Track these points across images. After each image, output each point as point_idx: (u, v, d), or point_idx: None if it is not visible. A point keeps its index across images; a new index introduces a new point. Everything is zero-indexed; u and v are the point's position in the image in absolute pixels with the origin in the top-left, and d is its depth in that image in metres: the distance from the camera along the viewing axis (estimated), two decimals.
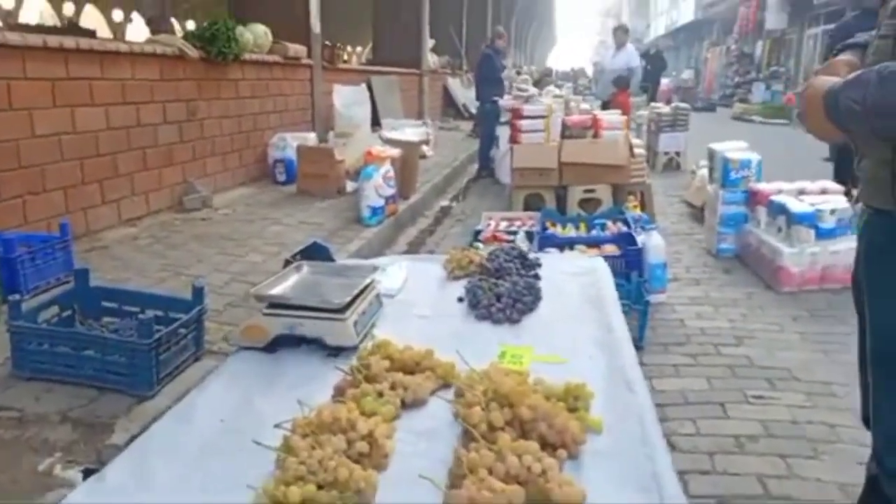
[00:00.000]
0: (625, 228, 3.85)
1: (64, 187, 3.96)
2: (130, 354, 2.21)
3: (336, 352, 1.64)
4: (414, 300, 2.09)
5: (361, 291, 1.76)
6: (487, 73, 8.02)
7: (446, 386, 1.43)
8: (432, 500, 1.07)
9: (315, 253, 3.59)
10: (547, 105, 5.00)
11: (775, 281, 3.72)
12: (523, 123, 4.80)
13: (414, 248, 4.92)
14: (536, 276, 2.18)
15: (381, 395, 1.33)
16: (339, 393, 1.39)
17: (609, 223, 3.95)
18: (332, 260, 3.54)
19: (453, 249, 2.64)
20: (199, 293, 2.51)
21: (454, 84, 15.15)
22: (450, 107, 14.98)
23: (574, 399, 1.29)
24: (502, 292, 1.95)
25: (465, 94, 15.20)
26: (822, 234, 3.67)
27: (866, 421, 1.50)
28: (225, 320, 2.86)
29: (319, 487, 1.06)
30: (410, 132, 6.81)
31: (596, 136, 4.83)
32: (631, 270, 3.30)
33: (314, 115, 7.35)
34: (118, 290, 2.65)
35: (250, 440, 1.18)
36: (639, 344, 2.95)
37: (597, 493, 1.06)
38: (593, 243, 3.58)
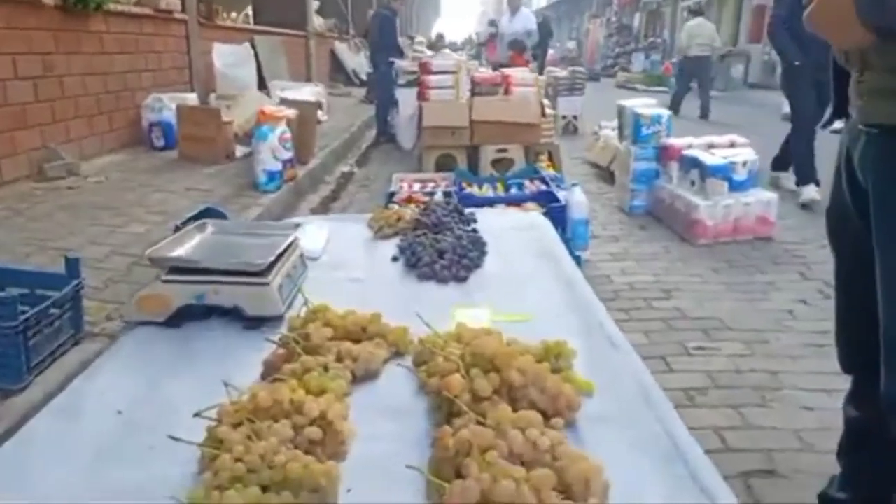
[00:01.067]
0: (543, 187, 3.72)
1: None
2: None
3: (256, 324, 1.36)
4: (341, 262, 1.83)
5: (284, 251, 1.47)
6: (385, 36, 7.64)
7: (399, 354, 1.20)
8: (412, 495, 0.84)
9: (210, 218, 3.17)
10: (456, 60, 4.75)
11: (691, 234, 3.74)
12: (432, 79, 4.53)
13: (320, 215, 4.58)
14: (476, 231, 1.97)
15: (326, 368, 1.07)
16: (270, 370, 1.12)
17: (527, 182, 3.81)
18: None
19: (378, 208, 2.37)
20: (73, 266, 2.10)
21: (342, 49, 14.56)
22: (338, 73, 14.39)
23: (556, 359, 1.09)
24: (445, 248, 1.72)
25: (354, 59, 14.67)
26: (735, 187, 3.72)
27: (845, 366, 1.41)
28: (107, 297, 2.44)
29: (265, 489, 0.80)
30: (307, 91, 6.35)
31: (507, 93, 4.66)
32: (555, 228, 3.17)
33: (192, 75, 6.68)
34: None
35: (162, 436, 0.89)
36: None
37: (613, 465, 0.87)
38: (514, 202, 3.41)
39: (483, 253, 1.75)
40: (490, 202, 3.42)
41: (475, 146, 4.51)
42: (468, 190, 3.67)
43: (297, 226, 1.68)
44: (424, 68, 4.74)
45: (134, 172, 4.80)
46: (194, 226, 1.60)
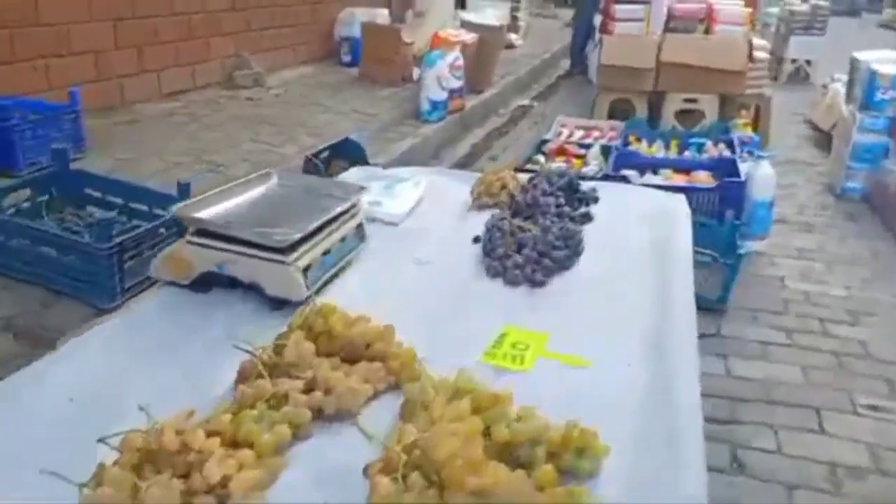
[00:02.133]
0: (727, 152, 3.13)
1: (94, 51, 3.61)
2: (87, 259, 1.86)
3: (279, 305, 1.21)
4: (419, 234, 1.62)
5: (328, 223, 1.29)
6: None
7: (398, 387, 0.97)
8: None
9: (347, 152, 3.07)
10: None
11: None
12: (618, 9, 3.96)
13: (476, 154, 4.36)
14: (586, 218, 1.63)
15: (284, 399, 0.88)
16: (243, 378, 0.96)
17: (709, 144, 3.23)
18: (366, 162, 3.04)
19: (493, 166, 2.09)
20: (184, 190, 2.11)
21: None
22: None
23: (577, 454, 0.80)
24: (526, 240, 1.42)
25: None
26: None
27: None
28: None
29: None
30: (492, 14, 6.00)
31: (708, 31, 3.95)
32: (725, 209, 2.65)
33: None
34: (99, 177, 2.28)
35: (94, 438, 0.78)
36: (720, 306, 2.36)
37: None
38: (683, 168, 2.91)
39: (576, 252, 1.43)
40: (654, 165, 2.95)
41: (659, 93, 3.93)
42: (634, 146, 3.20)
43: (362, 189, 1.48)
44: None
45: (313, 88, 4.91)
46: (258, 175, 1.47)
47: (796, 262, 2.81)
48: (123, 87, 3.85)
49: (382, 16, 5.88)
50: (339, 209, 1.31)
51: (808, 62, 7.01)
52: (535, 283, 1.35)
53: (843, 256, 2.89)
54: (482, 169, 4.28)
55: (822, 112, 4.78)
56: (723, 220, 2.64)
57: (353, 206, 1.39)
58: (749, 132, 3.65)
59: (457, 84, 4.39)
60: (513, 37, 7.60)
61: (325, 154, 2.79)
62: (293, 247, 1.18)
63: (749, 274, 2.47)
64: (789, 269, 2.74)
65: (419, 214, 1.73)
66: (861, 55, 3.61)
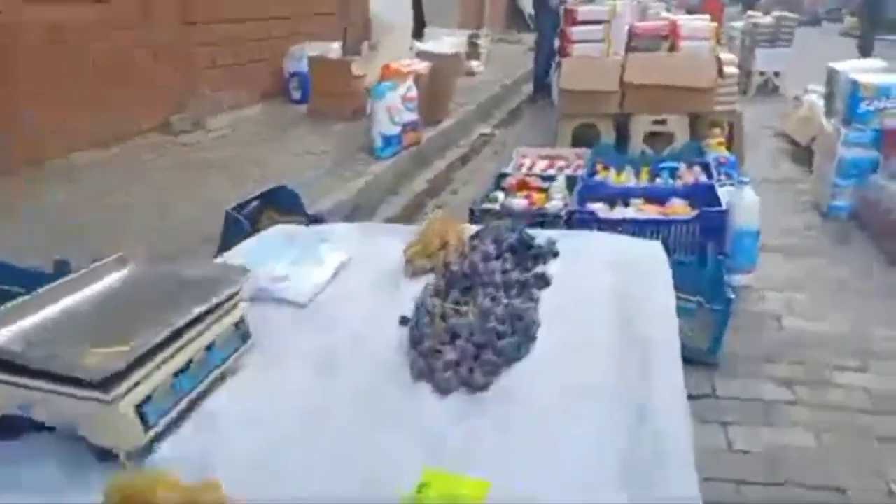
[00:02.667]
0: (703, 177, 2.86)
1: None
2: None
3: (108, 455, 0.87)
4: (332, 316, 1.29)
5: (178, 332, 0.95)
6: None
7: None
8: None
9: (280, 201, 2.72)
10: (610, 6, 3.85)
11: None
12: (575, 31, 3.70)
13: (435, 189, 4.06)
14: (541, 281, 1.31)
15: None
16: None
17: (682, 168, 2.96)
18: (303, 212, 2.69)
19: (438, 217, 1.79)
20: (63, 269, 1.75)
21: None
22: (516, 16, 13.52)
23: None
24: (460, 328, 1.10)
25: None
26: None
27: None
28: None
29: None
30: (448, 43, 5.75)
31: (673, 48, 3.71)
32: (706, 241, 2.36)
33: (345, 16, 6.32)
34: None
35: None
36: (711, 359, 2.04)
37: None
38: (655, 197, 2.62)
39: (527, 337, 1.10)
40: (623, 195, 2.66)
41: (626, 115, 3.67)
42: (601, 175, 2.91)
43: (246, 272, 1.15)
44: (569, 17, 3.90)
45: (260, 127, 4.59)
46: (103, 264, 1.13)
47: (788, 296, 2.50)
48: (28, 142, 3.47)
49: (334, 50, 5.59)
50: (198, 310, 0.98)
51: (777, 74, 6.86)
52: (474, 387, 1.02)
53: (836, 283, 2.60)
54: (442, 205, 4.03)
55: (797, 124, 4.56)
56: (704, 254, 2.35)
57: (229, 299, 1.06)
58: (724, 152, 3.38)
59: (410, 117, 4.09)
60: (474, 64, 7.38)
61: (254, 205, 2.46)
62: (119, 376, 0.84)
63: (738, 313, 2.16)
64: (781, 304, 2.43)
65: (339, 286, 1.40)
66: (838, 66, 3.37)
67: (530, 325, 1.10)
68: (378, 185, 3.70)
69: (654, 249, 1.53)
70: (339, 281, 1.42)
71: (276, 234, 1.68)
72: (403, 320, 1.18)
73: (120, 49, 3.95)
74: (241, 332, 1.10)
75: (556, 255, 1.47)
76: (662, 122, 3.62)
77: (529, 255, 1.41)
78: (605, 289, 1.33)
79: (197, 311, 0.98)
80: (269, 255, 1.47)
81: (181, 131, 4.29)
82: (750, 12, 8.83)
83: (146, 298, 1.06)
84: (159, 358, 0.91)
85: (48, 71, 3.53)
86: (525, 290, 1.24)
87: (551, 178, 2.87)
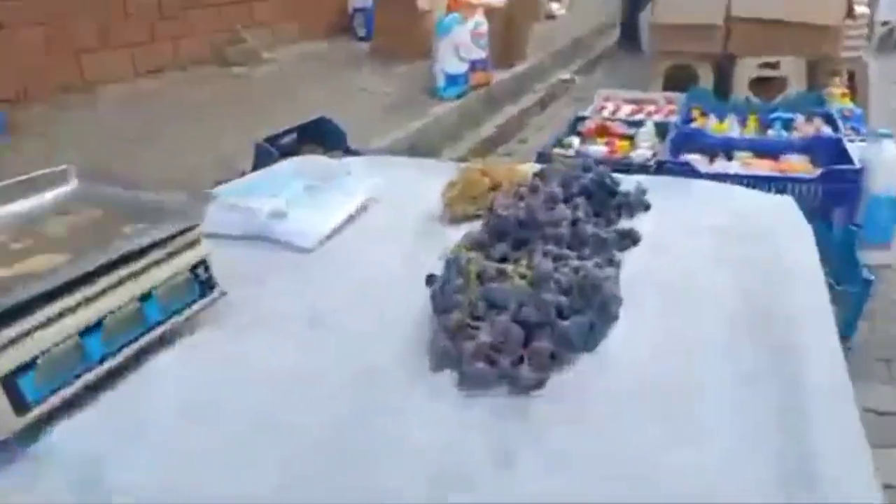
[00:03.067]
0: (827, 130, 2.35)
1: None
2: None
3: None
4: (339, 268, 0.98)
5: (105, 267, 0.64)
6: None
7: None
8: None
9: (321, 135, 2.39)
10: None
11: None
12: None
13: (504, 136, 3.67)
14: (627, 239, 0.94)
15: None
16: None
17: (799, 119, 2.45)
18: (346, 149, 2.36)
19: (491, 158, 1.44)
20: None
21: None
22: None
23: None
24: (504, 296, 0.74)
25: None
26: None
27: None
28: None
29: None
30: None
31: None
32: (831, 208, 1.90)
33: None
34: None
35: None
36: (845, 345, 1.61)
37: None
38: (768, 152, 2.15)
39: (604, 318, 0.74)
40: (726, 147, 2.20)
41: (729, 57, 3.13)
42: (698, 123, 2.45)
43: (207, 197, 0.83)
44: None
45: (317, 64, 4.28)
46: (47, 172, 0.84)
47: None
48: (83, 64, 3.29)
49: None
50: (122, 245, 0.67)
51: None
52: (518, 386, 0.68)
53: None
54: (511, 153, 3.64)
55: None
56: (829, 224, 1.89)
57: (181, 233, 0.75)
58: (849, 104, 2.83)
59: (479, 54, 3.68)
60: (554, 6, 6.81)
61: (291, 138, 2.16)
62: None
63: (874, 301, 1.72)
64: None
65: (358, 230, 1.08)
66: None
67: (609, 301, 0.74)
68: (439, 128, 3.34)
69: (785, 206, 1.12)
70: (359, 224, 1.10)
71: (291, 164, 1.36)
72: (430, 280, 0.84)
73: None
74: (201, 281, 0.78)
75: (647, 207, 1.09)
76: (774, 65, 3.07)
77: (611, 204, 1.03)
78: (720, 256, 0.94)
79: (121, 246, 0.67)
80: (274, 187, 1.16)
81: (234, 63, 4.03)
82: None
83: (63, 225, 0.76)
84: (50, 309, 0.61)
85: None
86: (603, 249, 0.87)
87: (638, 124, 2.44)
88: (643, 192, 1.09)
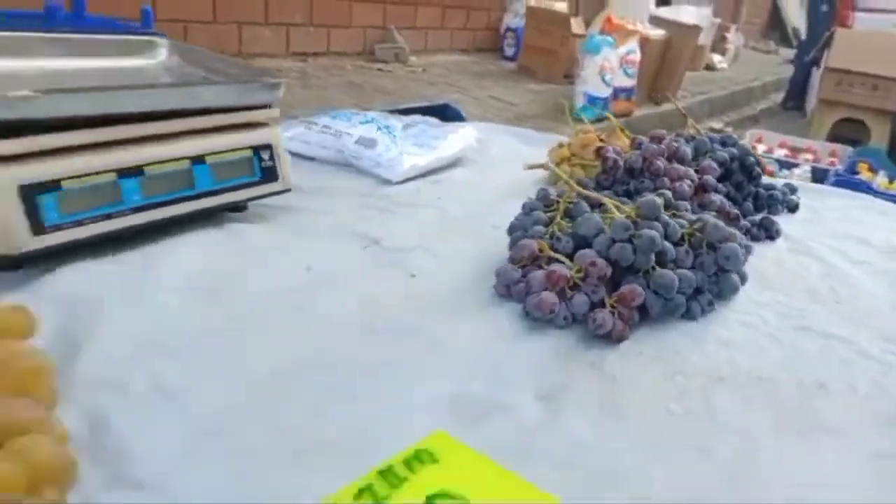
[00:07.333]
0: None
1: None
2: None
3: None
4: (420, 205, 0.86)
5: (156, 116, 0.56)
6: None
7: None
8: None
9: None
10: None
11: None
12: None
13: None
14: (768, 231, 0.75)
15: None
16: None
17: None
18: None
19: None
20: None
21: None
22: (777, 27, 11.99)
23: None
24: (590, 230, 0.58)
25: (800, 14, 12.04)
26: None
27: None
28: None
29: None
30: (690, 12, 4.98)
31: None
32: None
33: None
34: None
35: None
36: None
37: None
38: None
39: (726, 283, 0.57)
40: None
41: None
42: (863, 175, 2.13)
43: (277, 84, 0.74)
44: None
45: (455, 74, 4.28)
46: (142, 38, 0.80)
47: None
48: (242, 34, 3.46)
49: (561, 6, 5.12)
50: (174, 93, 0.59)
51: None
52: (595, 332, 0.52)
53: None
54: None
55: None
56: None
57: (246, 109, 0.66)
58: None
59: (627, 83, 3.51)
60: (716, 58, 6.49)
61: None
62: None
63: None
64: None
65: (447, 174, 0.96)
66: None
67: (734, 257, 0.56)
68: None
69: None
70: (451, 171, 0.98)
71: (396, 118, 1.26)
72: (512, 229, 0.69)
73: None
74: (264, 167, 0.69)
75: (795, 207, 0.89)
76: None
77: (749, 190, 0.85)
78: (882, 269, 0.73)
79: (173, 93, 0.59)
80: (369, 121, 1.07)
81: (381, 60, 4.11)
82: None
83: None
84: (91, 136, 0.54)
85: None
86: (732, 223, 0.69)
87: (791, 166, 2.16)
88: (792, 189, 0.90)
